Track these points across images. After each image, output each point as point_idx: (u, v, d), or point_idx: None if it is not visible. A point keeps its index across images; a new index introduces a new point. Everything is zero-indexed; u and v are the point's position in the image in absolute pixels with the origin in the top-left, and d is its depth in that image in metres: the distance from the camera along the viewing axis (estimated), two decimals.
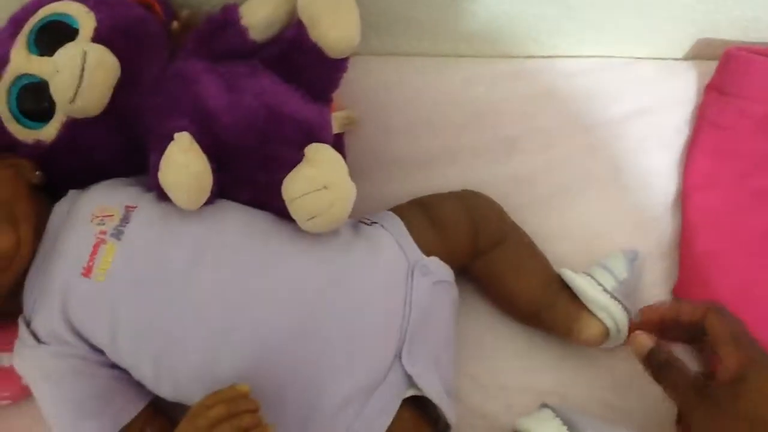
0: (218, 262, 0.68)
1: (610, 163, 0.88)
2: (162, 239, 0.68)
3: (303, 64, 0.78)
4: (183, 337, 0.66)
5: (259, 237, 0.70)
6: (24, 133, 0.74)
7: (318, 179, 0.69)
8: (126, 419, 0.68)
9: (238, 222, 0.71)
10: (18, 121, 0.74)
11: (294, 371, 0.66)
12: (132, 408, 0.69)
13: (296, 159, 0.72)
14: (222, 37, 0.79)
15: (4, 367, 0.74)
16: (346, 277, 0.69)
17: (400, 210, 0.80)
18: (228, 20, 0.79)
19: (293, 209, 0.70)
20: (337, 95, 0.81)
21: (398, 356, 0.69)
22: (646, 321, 0.73)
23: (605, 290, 0.76)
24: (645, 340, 0.69)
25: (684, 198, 0.87)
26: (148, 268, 0.67)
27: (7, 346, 0.73)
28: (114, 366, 0.69)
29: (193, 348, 0.66)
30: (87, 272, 0.67)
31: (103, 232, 0.68)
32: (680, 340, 0.75)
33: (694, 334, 0.68)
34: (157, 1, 0.82)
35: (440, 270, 0.75)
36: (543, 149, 0.88)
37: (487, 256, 0.79)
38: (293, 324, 0.67)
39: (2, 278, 0.67)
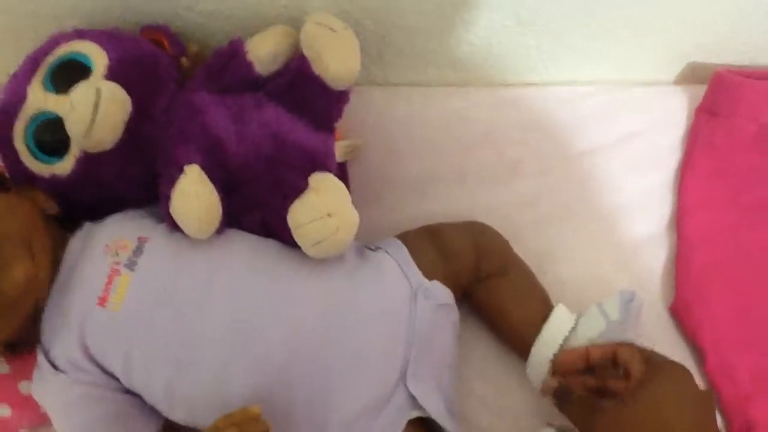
0: (228, 290, 0.70)
1: (607, 184, 0.91)
2: (174, 269, 0.71)
3: (307, 95, 0.81)
4: (195, 363, 0.68)
5: (267, 264, 0.73)
6: (40, 168, 0.77)
7: (322, 207, 0.72)
8: None
9: (247, 250, 0.74)
10: (35, 156, 0.77)
11: (301, 392, 0.69)
12: (145, 429, 0.71)
13: (302, 185, 0.75)
14: (229, 70, 0.82)
15: (23, 394, 0.77)
16: (349, 302, 0.72)
17: (406, 236, 0.82)
18: (234, 54, 0.82)
19: (298, 236, 0.72)
20: (341, 125, 0.84)
21: (402, 378, 0.72)
22: (561, 363, 0.72)
23: (566, 338, 0.75)
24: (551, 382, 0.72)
25: (680, 217, 0.90)
26: (161, 297, 0.70)
27: (26, 375, 0.76)
28: (127, 391, 0.71)
29: (205, 373, 0.68)
30: (102, 302, 0.69)
31: (117, 263, 0.71)
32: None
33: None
34: (166, 38, 0.85)
35: (442, 293, 0.77)
36: (543, 173, 0.91)
37: (487, 283, 0.81)
38: (299, 347, 0.69)
39: (19, 309, 0.70)
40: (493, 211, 0.88)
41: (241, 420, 0.63)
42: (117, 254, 0.71)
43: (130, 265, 0.71)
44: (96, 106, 0.73)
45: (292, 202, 0.75)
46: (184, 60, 0.85)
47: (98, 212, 0.80)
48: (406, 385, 0.71)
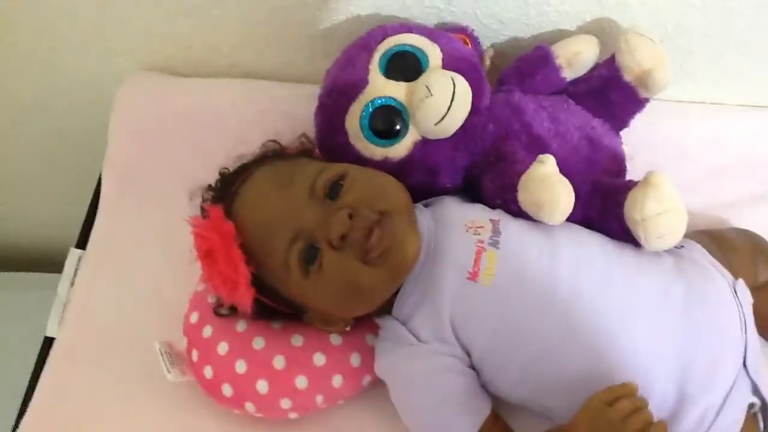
0: (594, 274, 0.73)
1: None
2: (535, 250, 0.74)
3: (612, 101, 0.86)
4: (563, 345, 0.71)
5: (613, 252, 0.76)
6: (373, 150, 0.80)
7: (665, 202, 0.75)
8: (484, 416, 0.72)
9: (591, 237, 0.77)
10: (368, 138, 0.81)
11: (660, 382, 0.71)
12: (487, 406, 0.73)
13: (619, 187, 0.79)
14: (539, 73, 0.87)
15: (353, 366, 0.78)
16: (694, 292, 0.75)
17: (691, 237, 0.85)
18: (544, 59, 0.87)
19: (645, 227, 0.74)
20: None
21: (744, 364, 0.74)
22: None
23: None
24: None
25: None
26: (530, 275, 0.72)
27: (356, 347, 0.79)
28: (472, 368, 0.74)
29: (571, 355, 0.71)
30: (473, 277, 0.72)
31: (482, 242, 0.74)
32: None
33: None
34: (469, 39, 0.89)
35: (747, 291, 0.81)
36: None
37: (767, 288, 0.84)
38: (663, 338, 0.72)
39: (399, 280, 0.73)
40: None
41: (624, 394, 0.66)
42: (478, 233, 0.74)
43: (494, 244, 0.73)
44: (453, 95, 0.77)
45: (610, 201, 0.78)
46: (487, 61, 0.90)
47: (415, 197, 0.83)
48: (747, 372, 0.74)
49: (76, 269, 0.94)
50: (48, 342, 0.89)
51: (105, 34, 0.96)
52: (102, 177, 0.98)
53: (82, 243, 0.96)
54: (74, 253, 0.96)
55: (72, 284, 0.93)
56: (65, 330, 0.88)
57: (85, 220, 1.00)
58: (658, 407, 0.69)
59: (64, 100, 1.05)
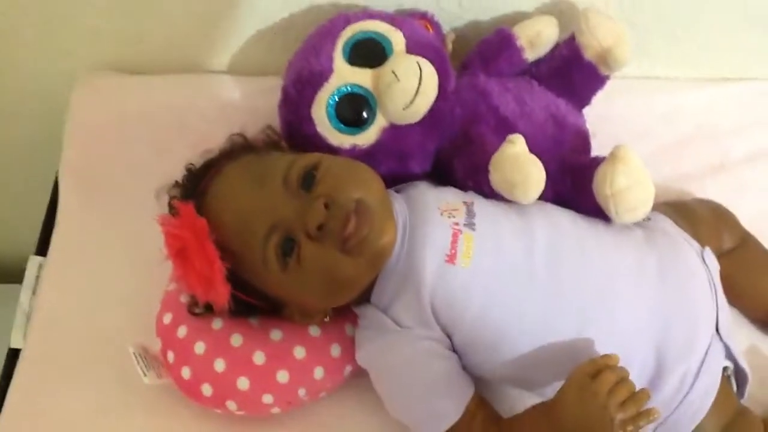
0: (570, 250, 0.74)
1: None
2: (510, 231, 0.74)
3: (575, 80, 0.87)
4: (545, 322, 0.72)
5: (586, 227, 0.77)
6: (341, 139, 0.80)
7: (634, 175, 0.76)
8: (468, 397, 0.72)
9: (563, 214, 0.78)
10: (335, 127, 0.80)
11: (641, 353, 0.72)
12: (470, 388, 0.73)
13: (586, 163, 0.80)
14: (502, 56, 0.88)
15: (333, 357, 0.77)
16: (666, 263, 0.76)
17: (656, 209, 0.87)
18: (505, 41, 0.88)
19: (616, 201, 0.75)
20: None
21: (716, 330, 0.76)
22: None
23: None
24: None
25: None
26: (508, 256, 0.73)
27: (335, 339, 0.78)
28: (452, 349, 0.74)
29: (554, 332, 0.72)
30: (451, 259, 0.72)
31: (457, 224, 0.74)
32: None
33: None
34: (430, 24, 0.89)
35: (714, 258, 0.83)
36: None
37: (731, 254, 0.87)
38: (641, 308, 0.73)
39: (378, 267, 0.72)
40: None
41: (606, 365, 0.67)
42: (452, 216, 0.74)
43: (470, 225, 0.73)
44: (420, 79, 0.77)
45: (579, 178, 0.79)
46: (448, 45, 0.90)
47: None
48: (720, 336, 0.76)
49: (38, 277, 0.91)
50: (13, 354, 0.86)
51: (53, 33, 0.93)
52: (59, 181, 0.95)
53: (41, 250, 0.93)
54: (34, 260, 0.93)
55: (34, 293, 0.90)
56: (32, 340, 0.85)
57: (42, 227, 0.97)
58: (638, 376, 0.71)
59: (14, 102, 1.01)
